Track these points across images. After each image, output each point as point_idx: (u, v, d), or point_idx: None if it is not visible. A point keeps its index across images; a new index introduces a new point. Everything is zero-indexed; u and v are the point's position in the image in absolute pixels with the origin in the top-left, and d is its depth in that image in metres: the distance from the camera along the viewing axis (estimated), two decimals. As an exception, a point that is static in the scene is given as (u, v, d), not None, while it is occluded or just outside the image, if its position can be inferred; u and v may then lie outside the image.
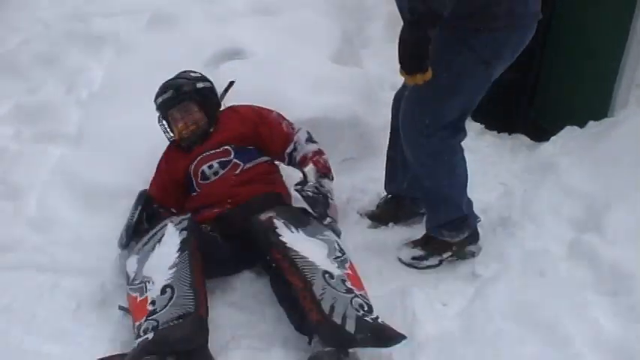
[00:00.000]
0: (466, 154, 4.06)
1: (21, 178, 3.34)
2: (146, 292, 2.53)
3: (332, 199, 3.09)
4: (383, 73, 4.62)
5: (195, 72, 3.41)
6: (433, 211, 3.16)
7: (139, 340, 2.36)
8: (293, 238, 2.69)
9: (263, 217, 2.75)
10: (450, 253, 3.16)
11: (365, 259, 3.19)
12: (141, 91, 3.70)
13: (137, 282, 2.60)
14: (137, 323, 2.46)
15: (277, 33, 4.32)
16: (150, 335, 2.34)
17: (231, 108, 3.41)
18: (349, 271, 2.70)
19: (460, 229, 3.12)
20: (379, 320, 2.49)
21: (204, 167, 3.16)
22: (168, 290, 2.49)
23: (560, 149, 3.84)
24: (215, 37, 4.19)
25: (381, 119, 4.06)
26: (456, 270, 3.12)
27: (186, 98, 3.22)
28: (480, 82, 2.85)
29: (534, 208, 3.38)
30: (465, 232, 3.13)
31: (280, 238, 2.67)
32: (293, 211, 2.96)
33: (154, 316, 2.41)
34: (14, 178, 3.35)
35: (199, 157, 3.19)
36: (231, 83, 3.54)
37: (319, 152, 3.30)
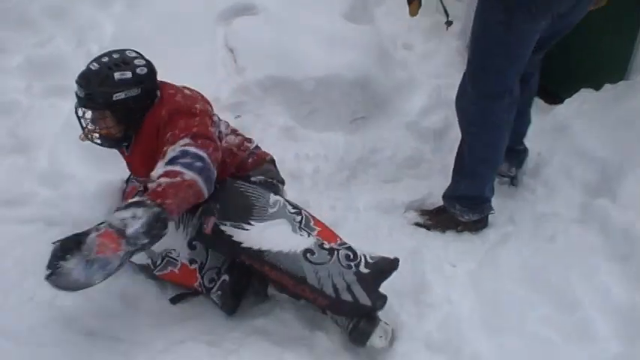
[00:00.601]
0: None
1: (32, 132, 3.33)
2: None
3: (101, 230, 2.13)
4: (396, 31, 4.56)
5: (131, 62, 2.56)
6: (457, 181, 3.14)
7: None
8: (251, 237, 2.47)
9: (207, 227, 2.50)
10: (453, 231, 3.15)
11: (374, 220, 3.20)
12: (152, 44, 3.65)
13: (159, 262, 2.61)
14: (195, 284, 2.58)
15: (289, -12, 4.24)
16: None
17: (161, 101, 2.61)
18: (318, 228, 2.62)
19: (473, 209, 3.09)
20: (369, 259, 2.47)
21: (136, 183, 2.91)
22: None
23: (574, 112, 3.80)
24: (227, -9, 4.13)
25: (392, 78, 4.03)
26: (466, 231, 3.11)
27: (97, 108, 2.55)
28: (503, 42, 2.79)
29: (546, 171, 3.36)
30: (476, 215, 3.11)
31: (241, 245, 2.46)
32: (231, 198, 2.59)
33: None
34: (25, 132, 3.34)
35: (130, 169, 2.89)
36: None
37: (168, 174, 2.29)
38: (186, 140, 2.34)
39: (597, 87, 3.86)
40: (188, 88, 2.70)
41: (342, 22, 4.19)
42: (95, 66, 2.50)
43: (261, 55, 3.63)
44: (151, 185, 2.21)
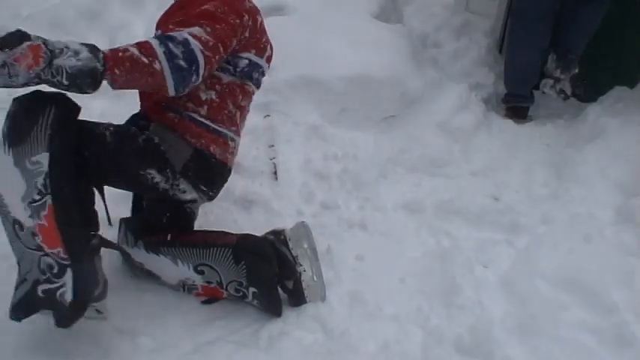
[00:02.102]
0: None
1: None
2: None
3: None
4: (426, 30, 4.52)
5: None
6: None
7: None
8: None
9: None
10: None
11: (403, 220, 3.16)
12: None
13: None
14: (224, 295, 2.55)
15: (319, -12, 4.23)
16: None
17: None
18: (44, 222, 2.04)
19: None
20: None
21: None
22: None
23: (608, 111, 3.74)
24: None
25: (423, 77, 3.99)
26: (498, 232, 3.05)
27: None
28: None
29: (581, 170, 3.31)
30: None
31: None
32: None
33: None
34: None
35: None
36: None
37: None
38: (196, 30, 2.16)
39: (631, 85, 3.79)
40: None
41: (371, 21, 4.16)
42: None
43: (291, 54, 3.60)
44: (121, 46, 2.05)
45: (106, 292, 2.26)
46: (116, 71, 1.97)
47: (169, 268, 2.47)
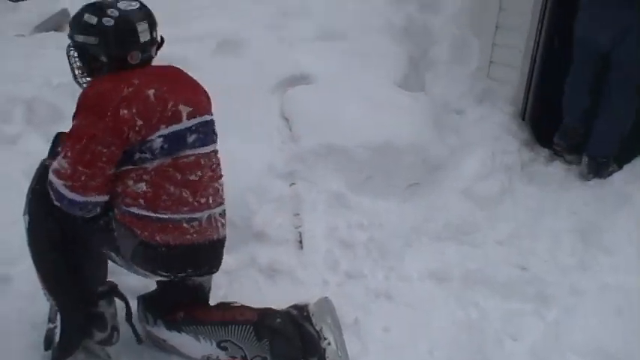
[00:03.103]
0: (534, 180, 4.01)
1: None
2: None
3: None
4: (448, 96, 4.56)
5: (106, 9, 2.35)
6: None
7: None
8: None
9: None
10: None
11: (430, 290, 3.14)
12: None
13: None
14: None
15: (343, 58, 4.30)
16: None
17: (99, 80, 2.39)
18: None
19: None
20: None
21: None
22: None
23: (633, 178, 3.72)
24: (282, 62, 4.20)
25: (446, 144, 4.01)
26: (526, 302, 3.01)
27: (70, 46, 2.46)
28: None
29: (608, 238, 3.27)
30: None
31: None
32: None
33: None
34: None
35: None
36: None
37: None
38: (56, 163, 2.29)
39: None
40: (144, 84, 2.32)
41: (394, 89, 4.22)
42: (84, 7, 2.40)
43: (316, 123, 3.66)
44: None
45: (114, 338, 2.46)
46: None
47: (192, 344, 2.49)
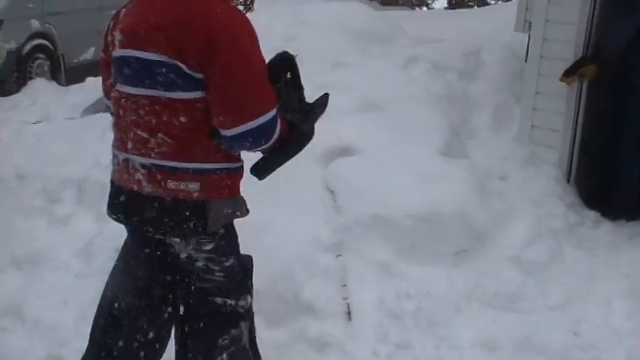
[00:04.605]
0: (583, 244, 3.97)
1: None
2: None
3: None
4: (490, 163, 4.58)
5: None
6: None
7: None
8: None
9: None
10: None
11: (477, 357, 3.09)
12: (254, 188, 3.81)
13: None
14: None
15: (384, 128, 4.38)
16: None
17: None
18: None
19: None
20: None
21: None
22: None
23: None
24: (324, 135, 4.27)
25: (491, 210, 4.01)
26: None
27: None
28: None
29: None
30: None
31: None
32: None
33: None
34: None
35: None
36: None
37: None
38: None
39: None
40: None
41: (436, 157, 4.26)
42: None
43: (361, 193, 3.72)
44: None
45: None
46: None
47: None
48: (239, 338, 2.38)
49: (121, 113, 2.24)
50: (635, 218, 4.32)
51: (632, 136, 4.36)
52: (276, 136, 2.21)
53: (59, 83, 7.71)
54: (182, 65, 2.09)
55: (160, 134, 2.15)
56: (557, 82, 4.45)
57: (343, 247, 3.60)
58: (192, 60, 2.08)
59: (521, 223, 3.99)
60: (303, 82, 2.35)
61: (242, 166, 2.35)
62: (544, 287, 3.59)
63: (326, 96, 2.42)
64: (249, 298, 2.43)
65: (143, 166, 2.19)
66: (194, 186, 2.17)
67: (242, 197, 2.36)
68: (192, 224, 2.19)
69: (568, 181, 4.59)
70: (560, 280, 3.65)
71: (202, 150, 2.18)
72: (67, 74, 8.24)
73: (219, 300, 2.36)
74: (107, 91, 2.41)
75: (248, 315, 2.44)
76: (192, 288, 2.36)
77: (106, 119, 5.42)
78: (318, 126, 4.40)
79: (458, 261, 3.77)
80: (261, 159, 2.36)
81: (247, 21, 2.19)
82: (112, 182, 2.34)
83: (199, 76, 2.10)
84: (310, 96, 2.43)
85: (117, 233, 3.77)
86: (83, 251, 3.69)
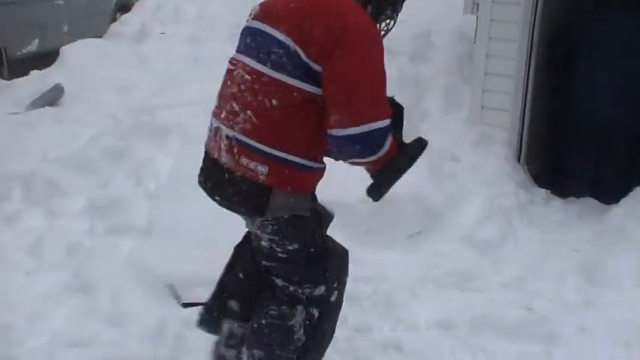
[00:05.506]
0: (534, 222, 4.04)
1: (94, 273, 3.41)
2: None
3: None
4: (443, 145, 4.61)
5: None
6: None
7: None
8: None
9: None
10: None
11: (437, 339, 3.12)
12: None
13: None
14: None
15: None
16: None
17: None
18: None
19: None
20: None
21: None
22: None
23: (632, 212, 3.75)
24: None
25: (444, 191, 4.05)
26: (535, 343, 2.99)
27: None
28: None
29: (611, 275, 3.29)
30: None
31: None
32: None
33: None
34: (88, 272, 3.43)
35: None
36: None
37: None
38: None
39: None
40: None
41: (389, 140, 4.26)
42: None
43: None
44: None
45: None
46: None
47: None
48: (288, 318, 2.38)
49: (228, 83, 2.30)
50: (584, 195, 4.42)
51: (578, 113, 4.45)
52: (386, 148, 2.21)
53: (2, 77, 7.50)
54: (302, 53, 2.12)
55: (249, 111, 2.19)
56: (506, 63, 4.50)
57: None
58: (314, 49, 2.11)
59: (473, 203, 4.04)
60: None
61: (321, 169, 2.36)
62: (497, 265, 3.65)
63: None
64: (322, 288, 2.42)
65: (227, 137, 2.24)
66: (263, 169, 2.18)
67: (309, 197, 2.37)
68: (252, 205, 2.24)
69: (518, 160, 4.67)
70: (512, 258, 3.71)
71: (282, 138, 2.19)
72: (10, 67, 8.02)
73: (279, 282, 2.40)
74: None
75: (313, 303, 2.41)
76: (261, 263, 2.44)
77: (53, 113, 5.38)
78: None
79: (413, 243, 3.80)
80: (375, 177, 2.36)
81: (378, 32, 2.25)
82: (205, 146, 2.40)
83: (317, 67, 2.12)
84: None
85: (67, 229, 3.74)
86: (33, 248, 3.61)
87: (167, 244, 3.45)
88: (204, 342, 2.82)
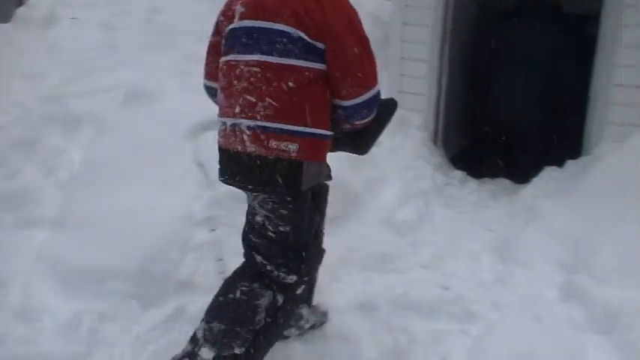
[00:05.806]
0: (450, 203, 4.13)
1: (4, 267, 3.28)
2: None
3: None
4: (362, 129, 4.65)
5: None
6: None
7: None
8: None
9: None
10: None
11: (358, 321, 3.15)
12: (121, 167, 3.68)
13: None
14: None
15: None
16: None
17: None
18: None
19: None
20: None
21: None
22: None
23: (542, 191, 3.87)
24: (192, 108, 4.20)
25: (363, 176, 4.08)
26: (452, 322, 3.07)
27: None
28: None
29: (523, 252, 3.39)
30: None
31: None
32: None
33: None
34: (-2, 266, 3.29)
35: None
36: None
37: None
38: None
39: (561, 164, 3.96)
40: None
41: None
42: None
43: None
44: None
45: None
46: None
47: None
48: (257, 296, 2.52)
49: (234, 82, 2.42)
50: (497, 176, 4.55)
51: (494, 96, 4.56)
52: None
53: None
54: (304, 36, 2.32)
55: (267, 99, 2.35)
56: (420, 47, 4.56)
57: (217, 222, 3.55)
58: (314, 30, 2.32)
59: (392, 187, 4.10)
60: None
61: (332, 136, 2.51)
62: (416, 246, 3.71)
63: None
64: (294, 277, 2.56)
65: (249, 127, 2.38)
66: (293, 147, 2.36)
67: (327, 164, 2.57)
68: (288, 182, 2.40)
69: (435, 143, 4.75)
70: (430, 239, 3.78)
71: (304, 114, 2.37)
72: None
73: (259, 258, 2.57)
74: (211, 72, 2.64)
75: (281, 289, 2.56)
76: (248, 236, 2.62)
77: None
78: (185, 99, 4.30)
79: (333, 228, 3.80)
80: (358, 135, 2.65)
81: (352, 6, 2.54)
82: (220, 148, 2.52)
83: (320, 45, 2.34)
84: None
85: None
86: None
87: (80, 236, 3.35)
88: (120, 335, 2.77)
